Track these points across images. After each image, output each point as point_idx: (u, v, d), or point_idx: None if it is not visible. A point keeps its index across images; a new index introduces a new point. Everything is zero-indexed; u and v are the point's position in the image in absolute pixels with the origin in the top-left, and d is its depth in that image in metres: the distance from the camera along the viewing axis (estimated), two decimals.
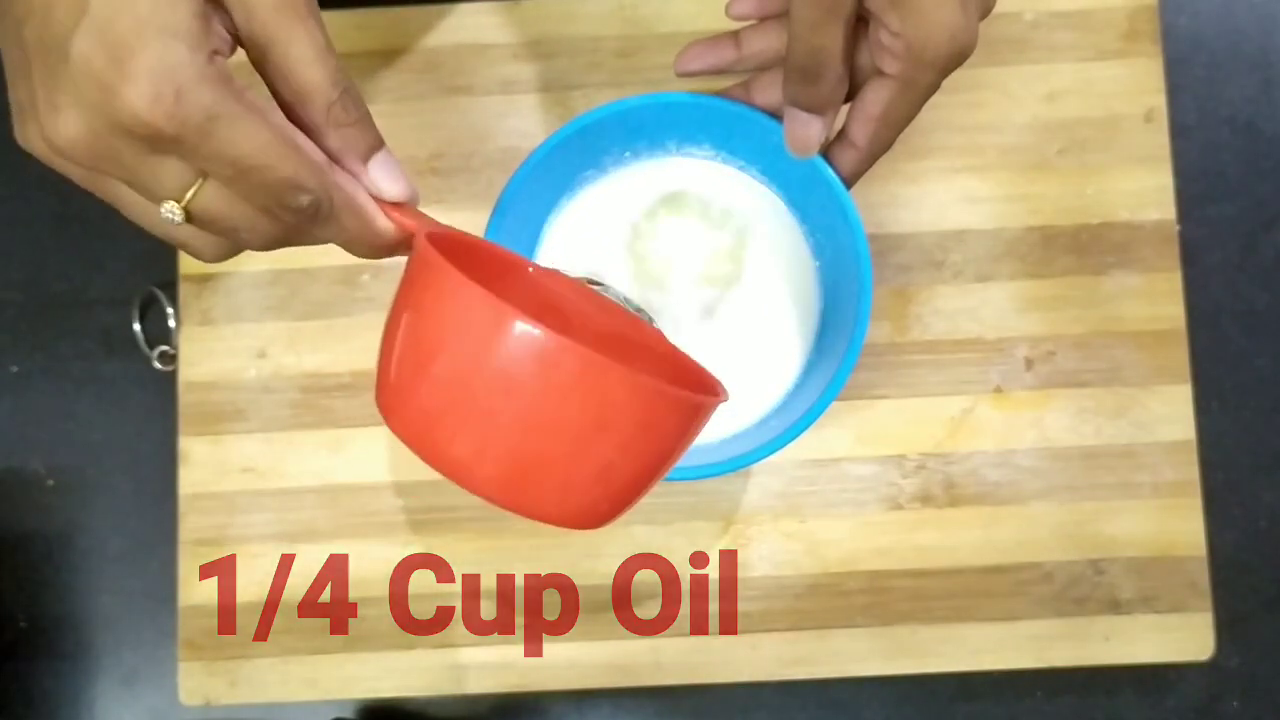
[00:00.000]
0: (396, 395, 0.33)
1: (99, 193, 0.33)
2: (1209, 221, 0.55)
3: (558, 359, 0.31)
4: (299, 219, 0.32)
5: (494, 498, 0.32)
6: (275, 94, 0.33)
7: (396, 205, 0.35)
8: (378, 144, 0.34)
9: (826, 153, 0.42)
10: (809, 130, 0.40)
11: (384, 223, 0.35)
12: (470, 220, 0.53)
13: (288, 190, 0.31)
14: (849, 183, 0.42)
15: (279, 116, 0.32)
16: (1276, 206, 0.56)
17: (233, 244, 0.33)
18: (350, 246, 0.35)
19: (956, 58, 0.36)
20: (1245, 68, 0.56)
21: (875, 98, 0.39)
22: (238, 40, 0.32)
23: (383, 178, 0.34)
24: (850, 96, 0.40)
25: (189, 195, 0.31)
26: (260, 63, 0.32)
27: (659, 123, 0.46)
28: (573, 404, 0.31)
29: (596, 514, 0.34)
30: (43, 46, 0.29)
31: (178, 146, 0.30)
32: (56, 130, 0.30)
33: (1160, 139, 0.53)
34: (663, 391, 0.32)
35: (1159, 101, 0.53)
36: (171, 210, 0.31)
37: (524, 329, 0.30)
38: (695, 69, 0.43)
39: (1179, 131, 0.54)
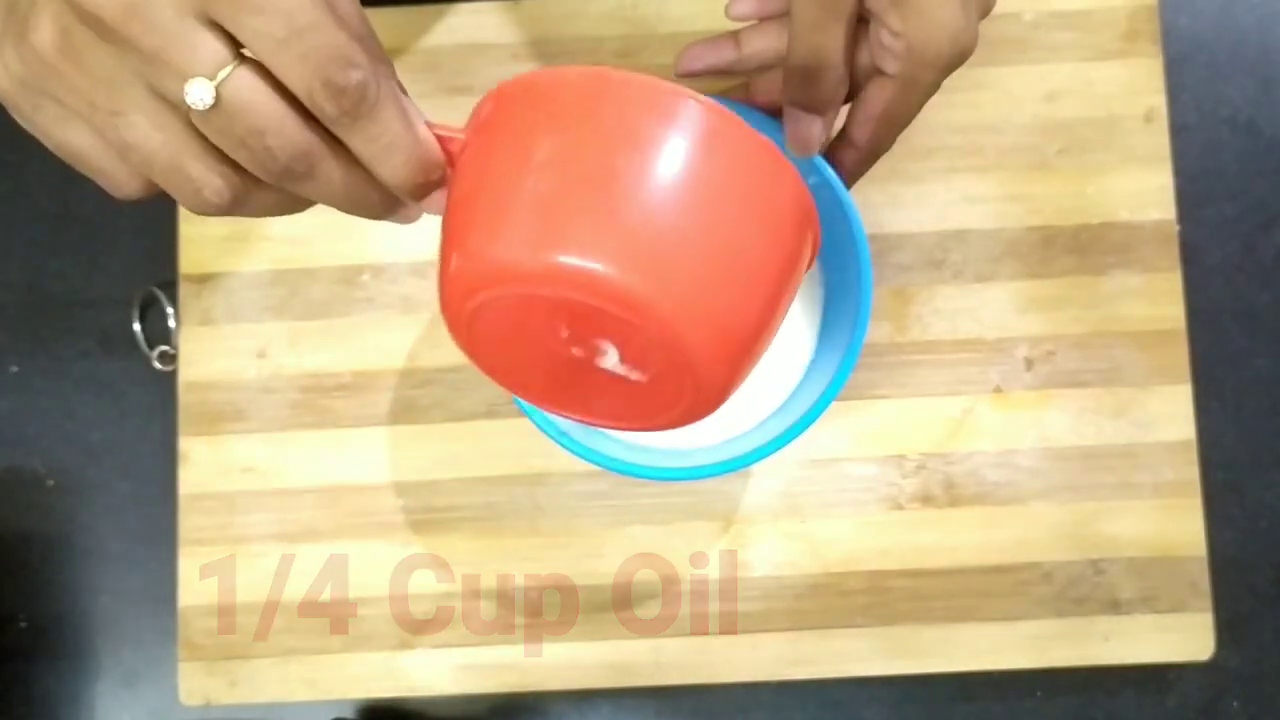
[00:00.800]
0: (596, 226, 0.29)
1: (95, 107, 0.29)
2: (1209, 221, 0.55)
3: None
4: (340, 106, 0.29)
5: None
6: None
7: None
8: (403, 89, 0.33)
9: (826, 152, 0.42)
10: (810, 130, 0.40)
11: (426, 130, 0.32)
12: None
13: (338, 62, 0.28)
14: (849, 182, 0.42)
15: None
16: (1276, 206, 0.56)
17: (242, 179, 0.30)
18: (385, 158, 0.31)
19: (957, 58, 0.36)
20: (1245, 68, 0.56)
21: (876, 98, 0.39)
22: None
23: (412, 111, 0.32)
24: (851, 96, 0.40)
25: (224, 73, 0.28)
26: None
27: None
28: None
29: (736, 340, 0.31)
30: None
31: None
32: None
33: (1160, 139, 0.53)
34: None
35: (1159, 101, 0.53)
36: (202, 89, 0.28)
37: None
38: (696, 69, 0.43)
39: (1179, 131, 0.54)
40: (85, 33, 0.28)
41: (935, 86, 0.38)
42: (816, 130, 0.40)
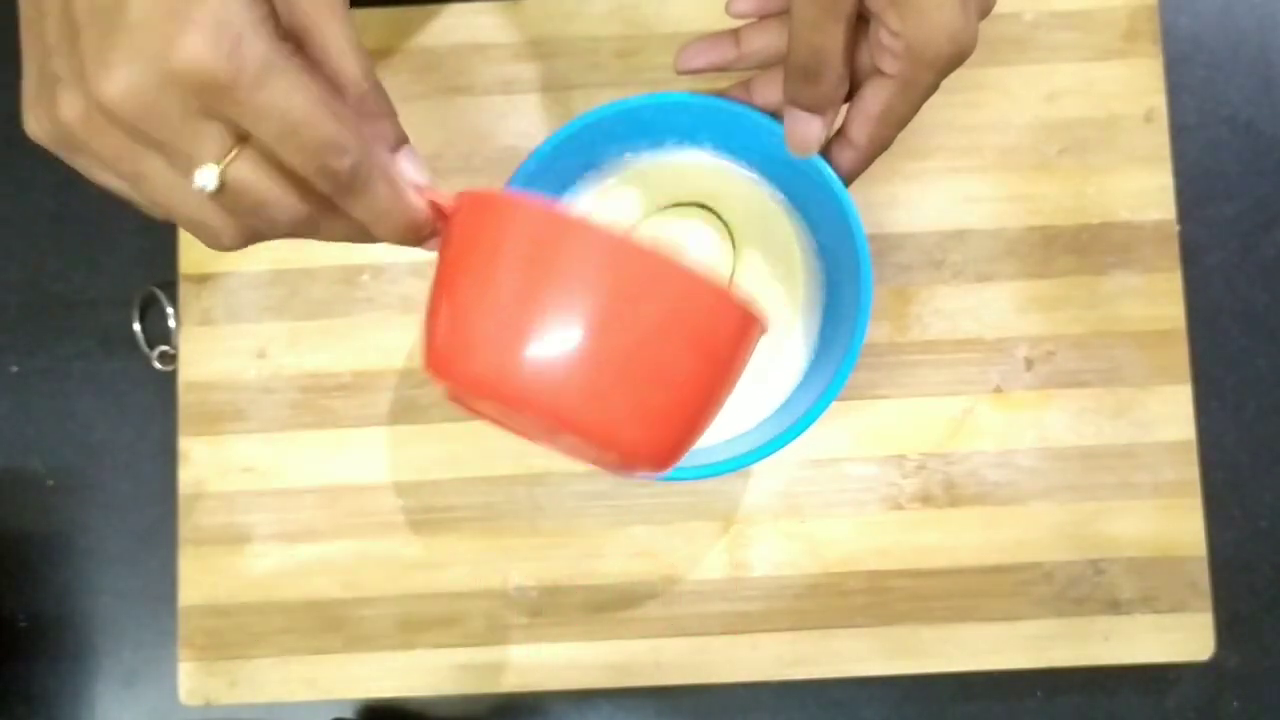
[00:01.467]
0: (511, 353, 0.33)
1: (121, 171, 0.32)
2: (1209, 221, 0.55)
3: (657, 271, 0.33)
4: (335, 185, 0.32)
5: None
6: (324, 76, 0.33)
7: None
8: (404, 138, 0.36)
9: (825, 151, 0.42)
10: (809, 129, 0.40)
11: (415, 197, 0.35)
12: None
13: (331, 150, 0.31)
14: (848, 181, 0.42)
15: (322, 80, 0.33)
16: (1276, 206, 0.56)
17: (254, 227, 0.33)
18: (378, 223, 0.34)
19: (956, 58, 0.36)
20: (1245, 68, 0.56)
21: (875, 97, 0.39)
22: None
23: (410, 169, 0.35)
24: (850, 95, 0.40)
25: (227, 159, 0.31)
26: (304, 44, 0.33)
27: (659, 123, 0.46)
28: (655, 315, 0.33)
29: (669, 437, 0.36)
30: (96, 12, 0.30)
31: (230, 97, 0.30)
32: (106, 87, 0.29)
33: (1160, 139, 0.53)
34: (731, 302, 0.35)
35: (1159, 101, 0.53)
36: (208, 175, 0.31)
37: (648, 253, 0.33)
38: (696, 67, 0.43)
39: (1179, 131, 0.54)
40: (104, 117, 0.30)
41: (934, 87, 0.38)
42: (816, 129, 0.40)
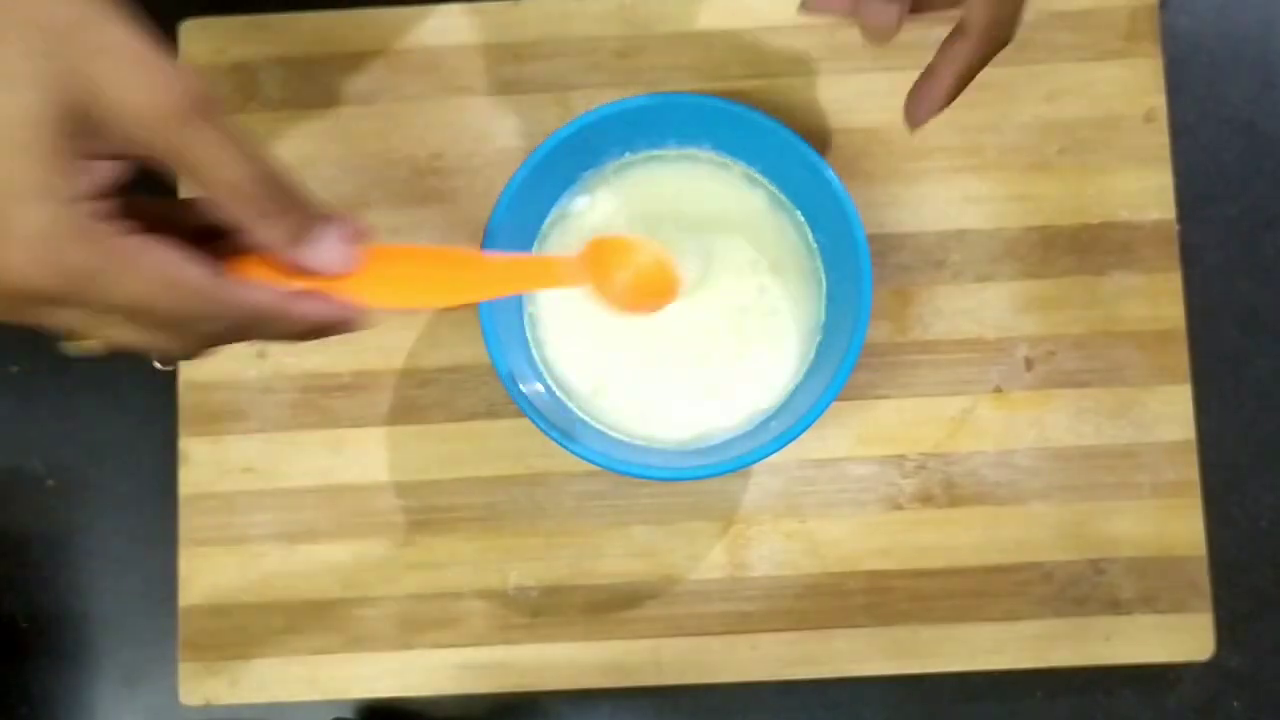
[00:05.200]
0: None
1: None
2: (1209, 221, 0.55)
3: None
4: (215, 341, 0.32)
5: None
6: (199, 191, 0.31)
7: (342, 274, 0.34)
8: (310, 222, 0.33)
9: (939, 52, 0.40)
10: (886, 15, 0.38)
11: (305, 308, 0.33)
12: (470, 219, 0.53)
13: (190, 321, 0.31)
14: (962, 83, 0.39)
15: (167, 248, 0.31)
16: (1276, 206, 0.56)
17: (185, 346, 0.33)
18: (293, 338, 0.34)
19: None
20: (1245, 68, 0.56)
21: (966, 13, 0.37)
22: (136, 154, 0.31)
23: (319, 256, 0.33)
24: None
25: (97, 332, 0.31)
26: (173, 168, 0.31)
27: (659, 123, 0.46)
28: None
29: None
30: None
31: (66, 301, 0.29)
32: None
33: (1160, 139, 0.53)
34: None
35: (1159, 101, 0.53)
36: (73, 348, 0.31)
37: None
38: (820, 8, 0.41)
39: (1179, 131, 0.54)
40: None
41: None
42: (893, 18, 0.39)
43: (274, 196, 0.31)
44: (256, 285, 0.32)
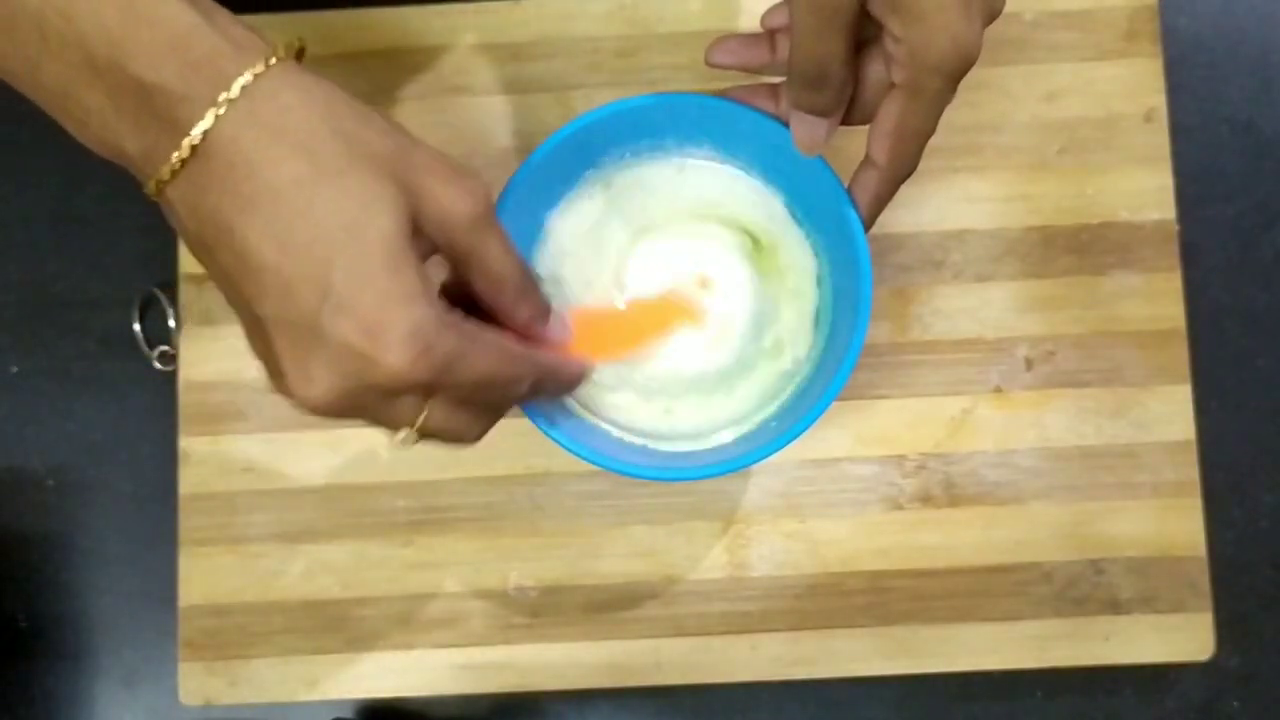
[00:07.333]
0: None
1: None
2: (1209, 221, 0.55)
3: None
4: (516, 403, 0.38)
5: None
6: (471, 283, 0.37)
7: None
8: (546, 303, 0.40)
9: (852, 180, 0.42)
10: (815, 132, 0.40)
11: (576, 368, 0.41)
12: None
13: (511, 386, 0.37)
14: (877, 207, 0.42)
15: (490, 327, 0.37)
16: (1276, 206, 0.56)
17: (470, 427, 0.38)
18: (555, 394, 0.42)
19: (961, 63, 0.36)
20: (1245, 68, 0.56)
21: (888, 112, 0.39)
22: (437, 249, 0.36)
23: (554, 330, 0.40)
24: (866, 114, 0.40)
25: (420, 420, 0.35)
26: (459, 264, 0.37)
27: (659, 123, 0.46)
28: None
29: None
30: (287, 323, 0.33)
31: (425, 388, 0.34)
32: (311, 395, 0.33)
33: (1160, 139, 0.53)
34: None
35: (1159, 101, 0.53)
36: (405, 437, 0.36)
37: None
38: (726, 64, 0.42)
39: (1179, 131, 0.54)
40: (310, 411, 0.35)
41: (944, 95, 0.37)
42: (821, 132, 0.40)
43: (528, 285, 0.38)
44: (541, 350, 0.39)
